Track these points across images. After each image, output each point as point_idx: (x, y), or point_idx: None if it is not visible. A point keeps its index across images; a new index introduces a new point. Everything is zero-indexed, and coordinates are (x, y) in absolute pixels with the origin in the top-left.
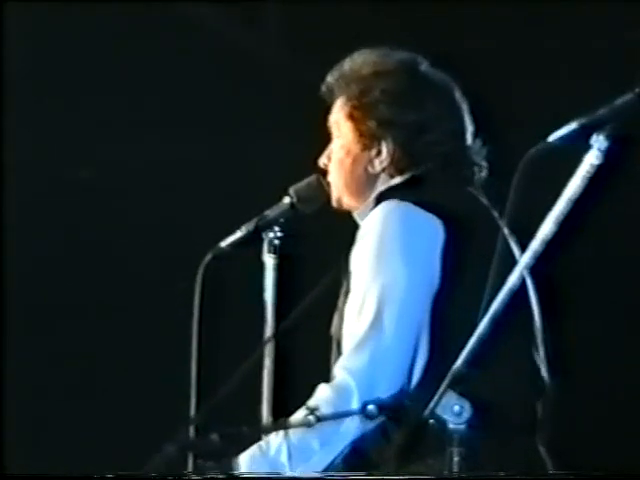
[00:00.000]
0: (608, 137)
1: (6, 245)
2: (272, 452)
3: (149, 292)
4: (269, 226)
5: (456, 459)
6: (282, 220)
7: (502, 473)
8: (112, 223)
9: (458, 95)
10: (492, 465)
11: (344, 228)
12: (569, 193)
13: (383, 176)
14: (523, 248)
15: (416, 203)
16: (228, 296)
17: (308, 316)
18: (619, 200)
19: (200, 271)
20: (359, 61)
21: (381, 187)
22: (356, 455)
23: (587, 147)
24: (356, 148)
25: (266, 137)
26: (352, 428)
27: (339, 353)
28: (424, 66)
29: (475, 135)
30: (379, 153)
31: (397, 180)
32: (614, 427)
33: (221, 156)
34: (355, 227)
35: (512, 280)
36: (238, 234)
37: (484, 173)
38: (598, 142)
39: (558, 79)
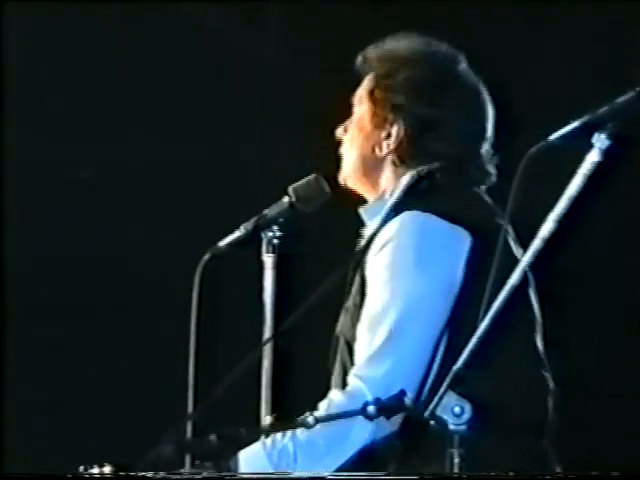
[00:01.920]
0: (609, 136)
1: (6, 245)
2: (276, 452)
3: (148, 291)
4: (268, 225)
5: (456, 460)
6: (281, 220)
7: (510, 473)
8: (112, 223)
9: (486, 100)
10: (492, 466)
11: (344, 228)
12: (570, 192)
13: (388, 162)
14: (524, 247)
15: (437, 213)
16: (226, 296)
17: (306, 316)
18: (620, 199)
19: (199, 270)
20: (399, 43)
21: (389, 178)
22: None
23: (588, 146)
24: (369, 126)
25: (265, 137)
26: (362, 437)
27: (349, 354)
28: (460, 65)
29: (493, 143)
30: (388, 136)
31: (407, 177)
32: (619, 427)
33: (220, 156)
34: (355, 228)
35: (513, 280)
36: (237, 233)
37: (492, 179)
38: (599, 141)
39: (558, 79)
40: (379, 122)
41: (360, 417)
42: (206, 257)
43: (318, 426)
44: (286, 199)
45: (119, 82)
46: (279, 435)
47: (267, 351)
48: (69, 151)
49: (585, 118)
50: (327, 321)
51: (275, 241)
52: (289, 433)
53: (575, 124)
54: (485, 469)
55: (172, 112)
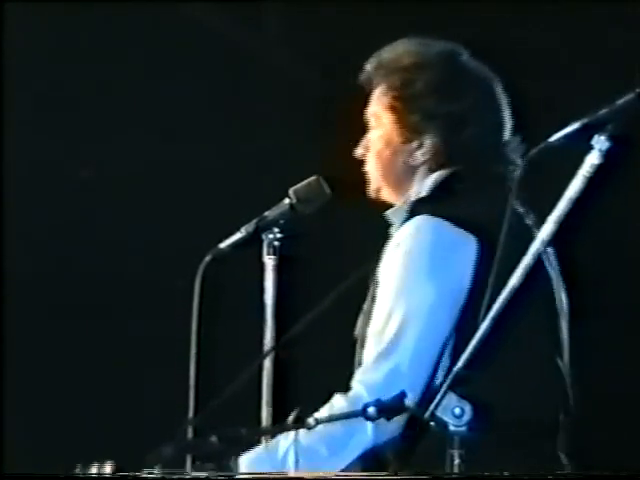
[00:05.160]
0: (609, 137)
1: (6, 245)
2: (279, 454)
3: (149, 293)
4: (269, 227)
5: (456, 461)
6: (282, 221)
7: (506, 473)
8: (112, 223)
9: (498, 87)
10: (492, 467)
11: (344, 229)
12: (570, 193)
13: (422, 169)
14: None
15: (450, 218)
16: (227, 297)
17: (311, 320)
18: (620, 200)
19: (199, 272)
20: (399, 51)
21: (420, 181)
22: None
23: (588, 147)
24: (397, 140)
25: (266, 137)
26: (363, 442)
27: (360, 355)
28: (464, 57)
29: (514, 131)
30: (421, 146)
31: (434, 178)
32: (632, 428)
33: (221, 157)
34: (356, 228)
35: (513, 281)
36: (238, 235)
37: (518, 172)
38: (599, 142)
39: (558, 79)
40: (409, 134)
41: (361, 423)
42: (207, 259)
43: (320, 429)
44: (287, 201)
45: (119, 82)
46: (281, 439)
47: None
48: (69, 151)
49: (585, 119)
50: (331, 324)
51: (276, 243)
52: (291, 437)
53: (575, 125)
54: (485, 470)
55: (172, 112)
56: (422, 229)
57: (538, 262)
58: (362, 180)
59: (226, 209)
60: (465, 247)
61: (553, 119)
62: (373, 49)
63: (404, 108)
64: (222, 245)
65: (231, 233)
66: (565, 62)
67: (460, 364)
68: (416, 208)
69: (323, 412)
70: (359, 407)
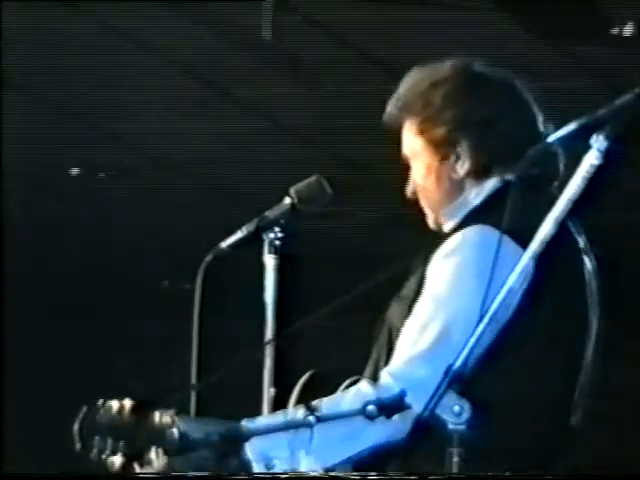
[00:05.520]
0: (608, 137)
1: (6, 245)
2: (294, 428)
3: (150, 292)
4: (270, 227)
5: (455, 460)
6: (283, 221)
7: (507, 473)
8: (112, 223)
9: (521, 86)
10: (492, 465)
11: (345, 229)
12: (569, 193)
13: (469, 180)
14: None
15: (504, 229)
16: (228, 297)
17: (309, 314)
18: (619, 200)
19: (200, 271)
20: (413, 80)
21: (470, 192)
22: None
23: (587, 147)
24: (435, 161)
25: (267, 138)
26: (377, 437)
27: (390, 341)
28: (477, 66)
29: (546, 123)
30: (458, 157)
31: (486, 188)
32: (631, 428)
33: (222, 157)
34: (357, 228)
35: (512, 281)
36: (238, 234)
37: (562, 166)
38: (598, 142)
39: (558, 79)
40: (443, 150)
41: (381, 417)
42: (208, 258)
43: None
44: (288, 200)
45: (119, 82)
46: (300, 412)
47: (269, 350)
48: (68, 151)
49: (584, 119)
50: (330, 318)
51: (277, 242)
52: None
53: (574, 125)
54: (485, 469)
55: (172, 112)
56: (478, 239)
57: (540, 262)
58: (362, 180)
59: (227, 208)
60: (515, 260)
61: (552, 119)
62: (373, 49)
63: (430, 127)
64: (223, 244)
65: (232, 232)
66: (565, 62)
67: (459, 363)
68: (474, 215)
69: (346, 396)
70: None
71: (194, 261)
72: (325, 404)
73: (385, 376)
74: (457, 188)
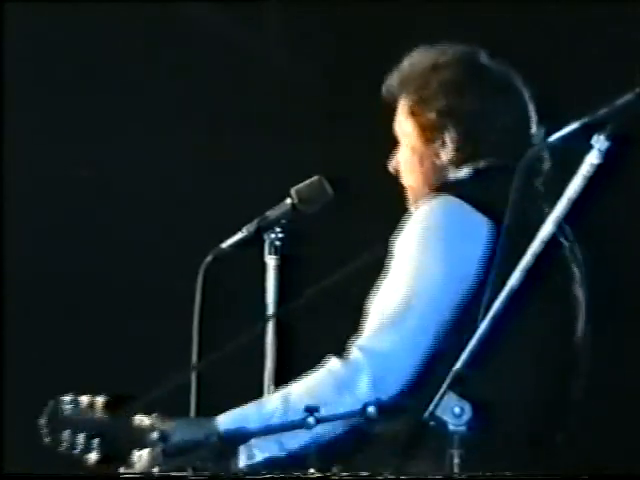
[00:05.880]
0: (608, 137)
1: (6, 245)
2: (267, 409)
3: (150, 293)
4: (270, 227)
5: (456, 461)
6: (283, 221)
7: (508, 473)
8: (112, 223)
9: (520, 84)
10: (492, 466)
11: (345, 229)
12: (569, 193)
13: (451, 167)
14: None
15: (470, 201)
16: (229, 297)
17: (310, 306)
18: (619, 200)
19: (201, 272)
20: (417, 59)
21: (449, 179)
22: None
23: (587, 147)
24: (420, 143)
25: (267, 138)
26: (354, 402)
27: None
28: (483, 57)
29: (538, 124)
30: (443, 144)
31: (464, 171)
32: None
33: (222, 157)
34: (357, 229)
35: (512, 281)
36: (239, 235)
37: (546, 165)
38: (598, 142)
39: (558, 79)
40: (430, 134)
41: (353, 381)
42: (209, 259)
43: (310, 384)
44: (288, 200)
45: (119, 82)
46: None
47: (270, 346)
48: (69, 151)
49: (584, 119)
50: (332, 310)
51: (277, 242)
52: (281, 394)
53: (574, 125)
54: (485, 470)
55: (173, 113)
56: (439, 207)
57: (541, 261)
58: (363, 180)
59: (228, 209)
60: (478, 230)
61: (553, 119)
62: (373, 49)
63: (422, 109)
64: (224, 245)
65: (233, 233)
66: (565, 62)
67: (460, 363)
68: (438, 190)
69: (317, 375)
70: (356, 373)
71: (194, 261)
72: (296, 387)
73: (354, 350)
74: (438, 174)
